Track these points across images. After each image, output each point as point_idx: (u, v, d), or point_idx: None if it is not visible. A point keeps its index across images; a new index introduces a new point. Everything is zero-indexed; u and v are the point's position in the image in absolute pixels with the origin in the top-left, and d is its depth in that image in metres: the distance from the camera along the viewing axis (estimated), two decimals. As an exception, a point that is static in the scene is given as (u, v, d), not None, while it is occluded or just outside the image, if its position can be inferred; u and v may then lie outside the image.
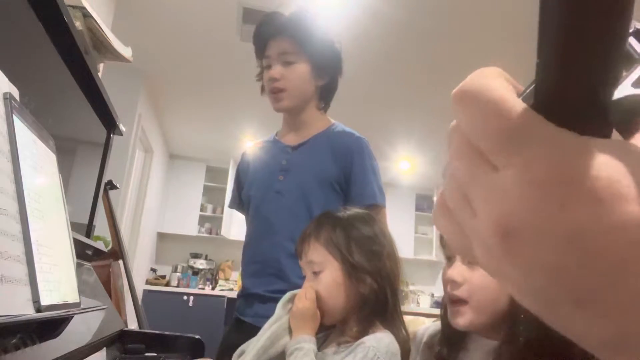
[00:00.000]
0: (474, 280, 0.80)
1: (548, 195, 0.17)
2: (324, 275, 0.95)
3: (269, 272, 1.22)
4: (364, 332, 0.90)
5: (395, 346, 0.88)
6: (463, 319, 0.80)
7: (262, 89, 1.34)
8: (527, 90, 0.18)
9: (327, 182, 1.24)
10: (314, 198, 1.23)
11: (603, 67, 0.16)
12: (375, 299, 0.92)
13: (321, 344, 1.01)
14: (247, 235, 1.35)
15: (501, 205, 0.18)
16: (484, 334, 0.84)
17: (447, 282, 0.83)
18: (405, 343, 0.92)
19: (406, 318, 1.35)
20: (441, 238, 0.91)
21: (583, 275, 0.17)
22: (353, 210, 1.03)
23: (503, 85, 0.19)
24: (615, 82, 0.17)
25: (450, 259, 0.86)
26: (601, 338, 0.17)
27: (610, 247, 0.16)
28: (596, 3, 0.15)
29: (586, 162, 0.16)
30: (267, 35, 1.28)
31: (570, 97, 0.17)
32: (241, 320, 1.27)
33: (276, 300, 1.19)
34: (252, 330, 1.22)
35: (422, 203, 6.37)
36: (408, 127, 4.34)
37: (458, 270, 0.81)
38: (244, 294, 1.29)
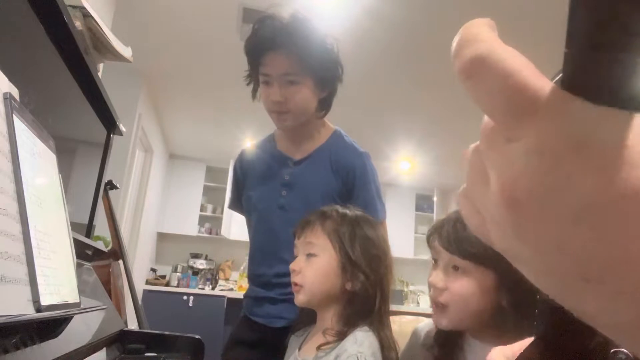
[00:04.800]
0: (454, 288, 0.83)
1: (555, 164, 0.15)
2: (319, 260, 0.96)
3: (278, 283, 1.24)
4: (344, 334, 0.90)
5: (376, 343, 0.89)
6: (444, 321, 0.85)
7: (253, 95, 1.29)
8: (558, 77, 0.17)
9: (330, 196, 1.25)
10: None
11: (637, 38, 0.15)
12: (365, 298, 0.93)
13: (302, 343, 1.01)
14: (253, 245, 1.35)
15: (507, 173, 0.17)
16: (477, 336, 0.86)
17: (430, 287, 0.88)
18: (390, 349, 0.92)
19: (406, 318, 1.35)
20: (428, 239, 0.91)
21: (593, 250, 0.15)
22: (360, 212, 1.04)
23: (508, 50, 0.17)
24: None
25: (436, 261, 0.88)
26: (617, 319, 0.16)
27: (621, 218, 0.14)
28: None
29: (595, 128, 0.15)
30: (264, 47, 1.18)
31: (602, 71, 0.16)
32: (252, 320, 1.28)
33: (286, 302, 1.20)
34: (264, 330, 1.23)
35: (422, 203, 6.36)
36: (408, 127, 4.34)
37: (440, 276, 0.85)
38: (253, 296, 1.30)
